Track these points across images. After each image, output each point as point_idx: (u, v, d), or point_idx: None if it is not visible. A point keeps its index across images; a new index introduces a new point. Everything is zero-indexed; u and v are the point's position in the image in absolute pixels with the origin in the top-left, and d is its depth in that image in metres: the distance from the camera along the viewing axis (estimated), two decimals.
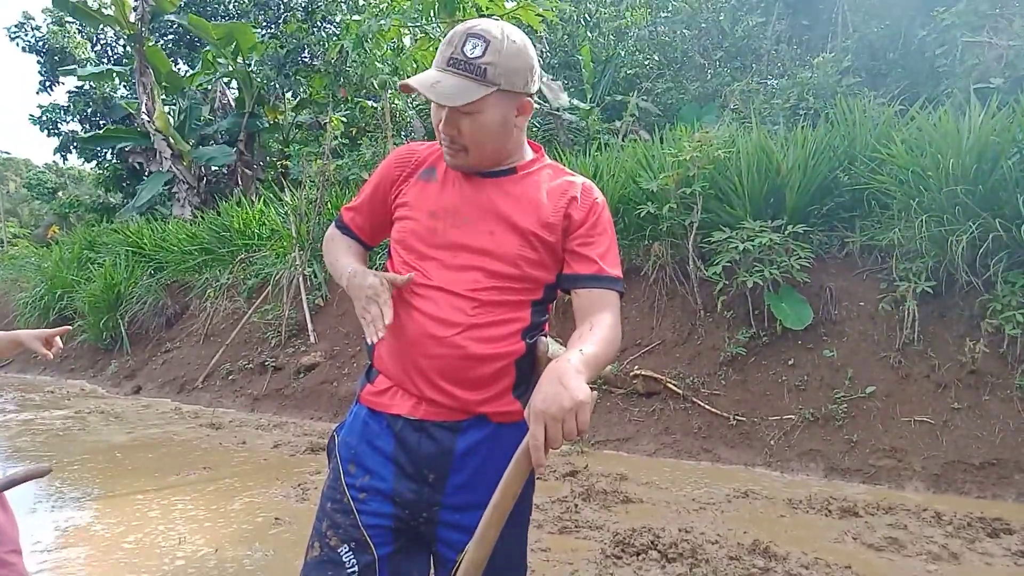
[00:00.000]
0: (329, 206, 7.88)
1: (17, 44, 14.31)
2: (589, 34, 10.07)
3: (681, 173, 5.35)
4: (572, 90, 11.57)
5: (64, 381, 9.21)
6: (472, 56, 1.32)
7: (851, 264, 5.26)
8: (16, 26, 14.16)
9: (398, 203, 1.52)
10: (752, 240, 4.86)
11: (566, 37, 9.79)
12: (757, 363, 5.06)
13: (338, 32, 9.61)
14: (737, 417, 4.84)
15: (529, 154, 1.51)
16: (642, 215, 5.51)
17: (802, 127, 5.71)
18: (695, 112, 8.94)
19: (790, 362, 4.93)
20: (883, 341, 4.72)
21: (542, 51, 9.99)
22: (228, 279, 8.69)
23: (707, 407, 4.99)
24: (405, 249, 1.47)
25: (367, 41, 6.39)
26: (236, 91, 14.28)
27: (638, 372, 5.31)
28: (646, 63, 11.40)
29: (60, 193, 18.72)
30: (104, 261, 10.16)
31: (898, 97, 6.30)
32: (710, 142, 5.23)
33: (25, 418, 6.85)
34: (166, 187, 12.97)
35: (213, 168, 12.88)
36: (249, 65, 12.33)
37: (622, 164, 6.13)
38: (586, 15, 9.73)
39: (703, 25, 10.49)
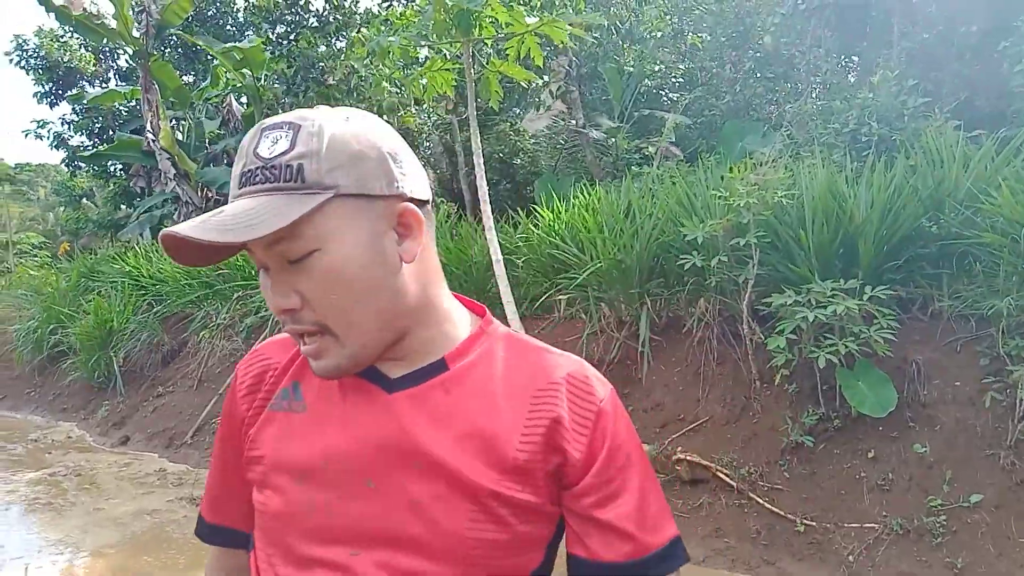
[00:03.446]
0: None
1: (18, 65, 13.87)
2: (622, 43, 9.25)
3: (732, 220, 4.53)
4: (597, 100, 10.80)
5: (55, 423, 8.62)
6: (274, 156, 0.76)
7: (940, 330, 4.39)
8: (12, 50, 13.73)
9: (248, 458, 0.90)
10: (823, 307, 4.01)
11: (596, 46, 8.98)
12: (828, 452, 4.21)
13: (347, 47, 8.97)
14: (805, 521, 4.00)
15: (463, 325, 0.89)
16: (686, 266, 4.70)
17: (872, 162, 4.85)
18: (737, 131, 8.08)
19: (870, 454, 4.07)
20: (989, 435, 3.85)
21: (569, 62, 9.20)
22: (225, 318, 8.03)
23: (767, 505, 4.16)
24: (269, 545, 0.86)
25: (372, 58, 5.65)
26: (245, 105, 13.71)
27: (682, 456, 4.49)
28: (671, 74, 10.59)
29: (85, 200, 18.28)
30: (101, 291, 9.58)
31: (955, 113, 5.47)
32: (769, 185, 4.40)
33: None
34: (170, 207, 12.39)
35: (220, 189, 12.28)
36: (259, 80, 11.73)
37: (660, 204, 5.31)
38: (616, 23, 8.92)
39: (732, 33, 9.62)
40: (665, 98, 10.46)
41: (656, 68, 9.55)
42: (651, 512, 0.84)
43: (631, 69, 9.21)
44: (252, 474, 0.89)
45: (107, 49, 15.18)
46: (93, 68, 14.87)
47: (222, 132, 13.92)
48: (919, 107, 5.76)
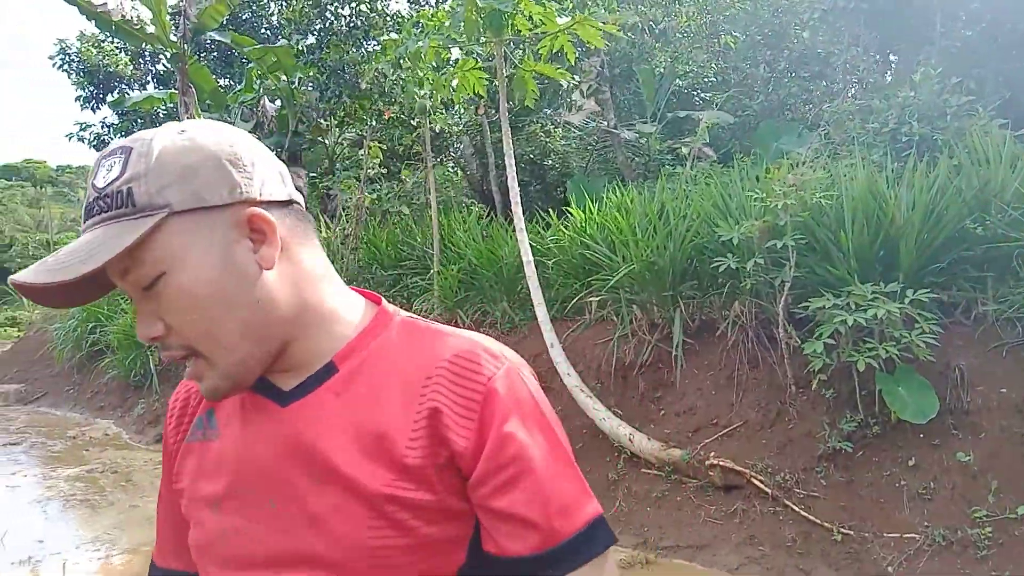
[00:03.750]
0: (365, 242, 7.22)
1: (61, 69, 14.20)
2: (655, 43, 9.16)
3: (769, 221, 4.44)
4: (630, 101, 10.71)
5: (93, 420, 8.80)
6: (106, 184, 0.74)
7: (985, 336, 4.25)
8: (56, 54, 14.05)
9: (176, 492, 0.89)
10: (863, 311, 3.91)
11: (630, 47, 8.91)
12: (866, 460, 4.11)
13: (377, 51, 9.01)
14: (842, 530, 3.90)
15: (355, 321, 0.84)
16: (720, 269, 4.62)
17: (914, 163, 4.72)
18: (772, 131, 7.95)
19: (910, 462, 3.96)
20: None
21: (601, 63, 9.14)
22: None
23: (803, 513, 4.07)
24: None
25: (403, 61, 5.65)
26: (279, 107, 13.87)
27: (715, 461, 4.41)
28: (704, 74, 10.46)
29: None
30: None
31: (1000, 112, 5.30)
32: (806, 186, 4.31)
33: (35, 475, 6.37)
34: None
35: None
36: (292, 83, 11.85)
37: (694, 205, 5.23)
38: (651, 23, 8.84)
39: (768, 31, 9.45)
40: (698, 98, 10.34)
41: (689, 68, 9.43)
42: (559, 496, 0.75)
43: (663, 69, 9.11)
44: (182, 508, 0.88)
45: (145, 53, 15.48)
46: (132, 72, 15.18)
47: (256, 134, 14.11)
48: (962, 106, 5.60)
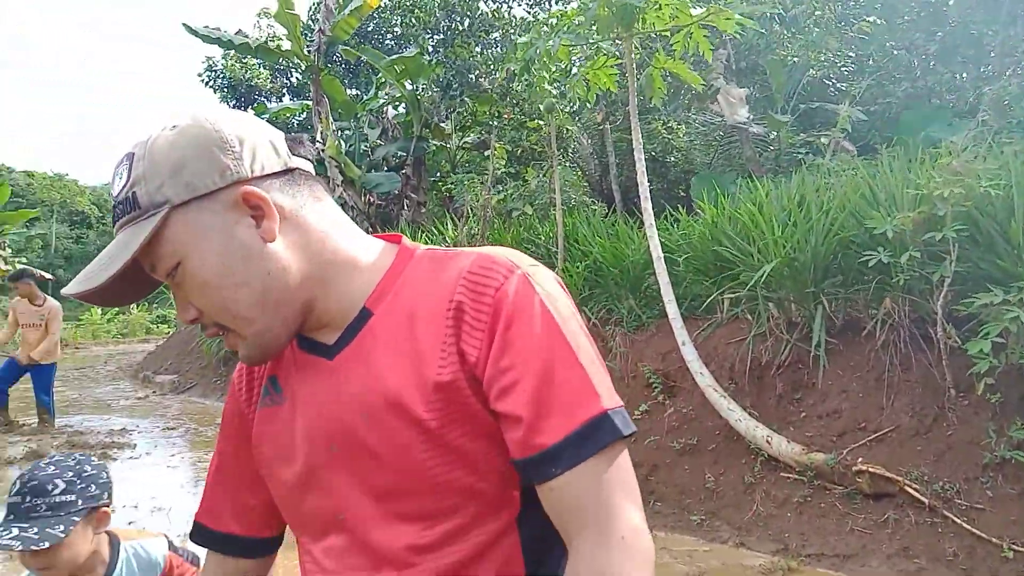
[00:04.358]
0: (490, 242, 7.35)
1: (208, 86, 15.39)
2: (786, 32, 8.80)
3: (926, 212, 4.15)
4: (759, 97, 10.34)
5: None
6: (118, 192, 0.81)
7: None
8: (204, 71, 15.24)
9: (256, 458, 0.94)
10: None
11: (758, 37, 8.61)
12: None
13: (504, 53, 9.16)
14: (1014, 547, 3.57)
15: (378, 264, 0.87)
16: (870, 263, 4.36)
17: None
18: (918, 120, 7.44)
19: None
20: None
21: (727, 56, 8.88)
22: None
23: (966, 526, 3.76)
24: (294, 529, 0.94)
25: (534, 64, 5.71)
26: (405, 114, 14.39)
27: (863, 467, 4.16)
28: (839, 63, 9.92)
29: None
30: None
31: None
32: (970, 173, 3.99)
33: (190, 457, 6.92)
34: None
35: (381, 194, 12.95)
36: (417, 90, 12.28)
37: (838, 196, 4.97)
38: (781, 10, 8.50)
39: (921, 12, 8.83)
40: (833, 88, 9.83)
41: (824, 57, 8.99)
42: (558, 395, 0.75)
43: (796, 59, 8.72)
44: (262, 470, 0.93)
45: (280, 67, 16.51)
46: (270, 85, 16.21)
47: (380, 141, 14.70)
48: None
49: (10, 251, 19.17)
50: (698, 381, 4.97)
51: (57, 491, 1.54)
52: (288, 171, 0.85)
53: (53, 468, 1.59)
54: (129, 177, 0.80)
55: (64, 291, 0.82)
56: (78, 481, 1.58)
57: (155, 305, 26.62)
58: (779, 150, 8.61)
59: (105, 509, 1.64)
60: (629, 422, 0.78)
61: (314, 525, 0.88)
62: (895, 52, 9.26)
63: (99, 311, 23.45)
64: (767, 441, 4.58)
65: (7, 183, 18.36)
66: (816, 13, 9.01)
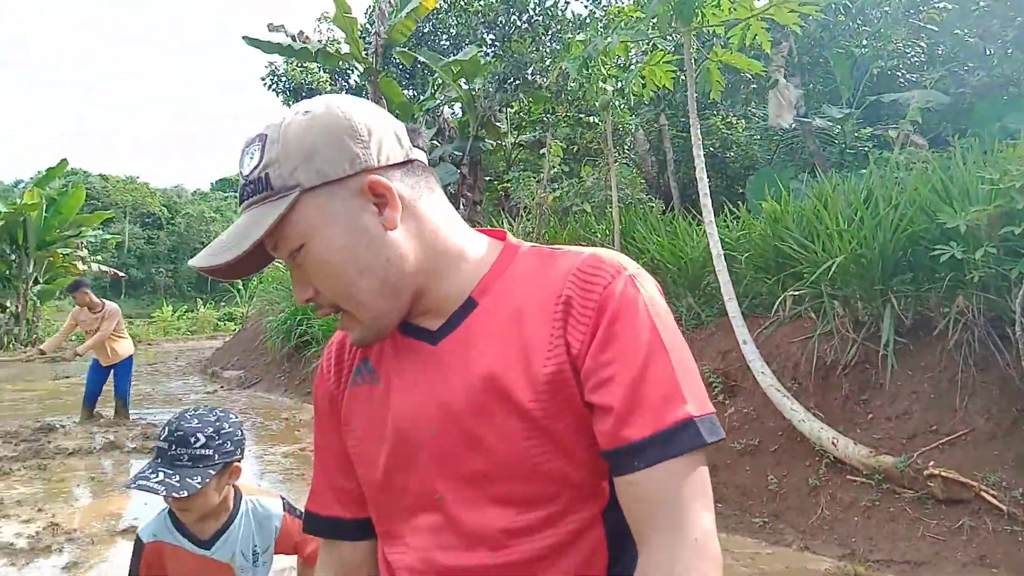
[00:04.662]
0: (546, 239, 7.36)
1: (271, 90, 15.85)
2: (852, 23, 8.53)
3: (1004, 206, 3.97)
4: (823, 91, 10.06)
5: (301, 404, 9.66)
6: (249, 171, 0.83)
7: None
8: (267, 75, 15.71)
9: (346, 436, 0.96)
10: None
11: (822, 30, 8.37)
12: None
13: (558, 51, 9.16)
14: None
15: (485, 257, 0.91)
16: (941, 259, 4.20)
17: None
18: (993, 110, 7.12)
19: None
20: None
21: (789, 50, 8.67)
22: None
23: None
24: (376, 510, 0.95)
25: (591, 61, 5.69)
26: (461, 113, 14.51)
27: (936, 472, 4.01)
28: (909, 52, 9.56)
29: None
30: None
31: None
32: None
33: (257, 450, 7.12)
34: None
35: None
36: (473, 89, 12.36)
37: (908, 190, 4.80)
38: (847, 1, 8.24)
39: (981, 1, 8.43)
40: (901, 80, 9.49)
41: (893, 48, 8.68)
42: (651, 394, 0.78)
43: (865, 50, 8.45)
44: (351, 448, 0.95)
45: (339, 70, 16.86)
46: (329, 88, 16.57)
47: (437, 141, 14.87)
48: None
49: (87, 252, 20.11)
50: (760, 380, 4.87)
51: (199, 444, 1.70)
52: (408, 162, 0.88)
53: (196, 422, 1.74)
54: (262, 158, 0.83)
55: (192, 263, 0.85)
56: (216, 437, 1.72)
57: (222, 303, 27.60)
58: (844, 144, 8.36)
59: (237, 464, 1.80)
60: (717, 429, 0.80)
61: (402, 504, 0.90)
62: (968, 40, 8.88)
63: (170, 309, 24.41)
64: (833, 443, 4.46)
65: (82, 187, 19.28)
66: (883, 2, 8.72)
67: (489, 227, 1.01)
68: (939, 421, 4.29)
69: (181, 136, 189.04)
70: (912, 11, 9.46)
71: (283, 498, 1.98)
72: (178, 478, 1.66)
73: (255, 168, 0.83)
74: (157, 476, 1.66)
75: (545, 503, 0.82)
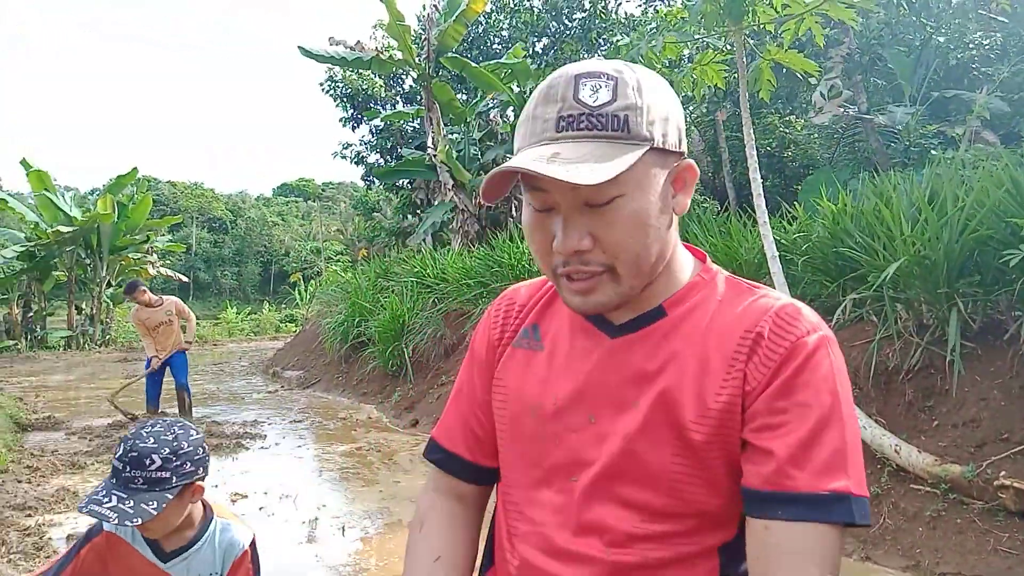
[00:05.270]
0: None
1: (329, 95, 16.26)
2: (916, 17, 8.24)
3: None
4: (881, 85, 9.74)
5: (358, 405, 9.87)
6: (598, 104, 0.79)
7: None
8: (325, 81, 16.12)
9: (495, 387, 0.99)
10: None
11: (882, 26, 8.11)
12: None
13: (608, 52, 9.11)
14: None
15: (686, 271, 0.92)
16: (1011, 263, 4.03)
17: None
18: None
19: None
20: None
21: (848, 48, 8.43)
22: None
23: None
24: (505, 467, 0.98)
25: (639, 62, 5.65)
26: (512, 117, 14.59)
27: (1007, 482, 3.85)
28: (986, 43, 9.17)
29: (376, 214, 20.92)
30: (395, 289, 10.80)
31: None
32: None
33: (315, 449, 7.30)
34: (448, 215, 13.59)
35: None
36: (524, 92, 12.42)
37: (976, 190, 4.61)
38: None
39: None
40: (973, 74, 9.11)
41: (961, 41, 8.34)
42: (819, 456, 0.77)
43: (940, 40, 8.13)
44: (496, 402, 0.97)
45: (394, 76, 17.17)
46: (384, 94, 16.89)
47: (489, 144, 14.97)
48: None
49: (156, 256, 20.96)
50: None
51: (154, 467, 1.59)
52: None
53: (152, 441, 1.62)
54: (616, 98, 0.80)
55: (522, 164, 0.78)
56: (174, 459, 1.61)
57: (283, 305, 28.39)
58: (908, 142, 8.08)
59: (199, 484, 1.70)
60: (866, 514, 0.79)
61: (534, 475, 0.91)
62: None
63: (234, 311, 25.22)
64: (895, 450, 4.33)
65: (150, 195, 20.10)
66: None
67: None
68: (1010, 429, 4.12)
69: (241, 143, 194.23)
70: (982, 2, 9.08)
71: (255, 536, 1.85)
72: (132, 503, 1.54)
73: (607, 103, 0.80)
74: (110, 501, 1.55)
75: (672, 520, 0.84)
